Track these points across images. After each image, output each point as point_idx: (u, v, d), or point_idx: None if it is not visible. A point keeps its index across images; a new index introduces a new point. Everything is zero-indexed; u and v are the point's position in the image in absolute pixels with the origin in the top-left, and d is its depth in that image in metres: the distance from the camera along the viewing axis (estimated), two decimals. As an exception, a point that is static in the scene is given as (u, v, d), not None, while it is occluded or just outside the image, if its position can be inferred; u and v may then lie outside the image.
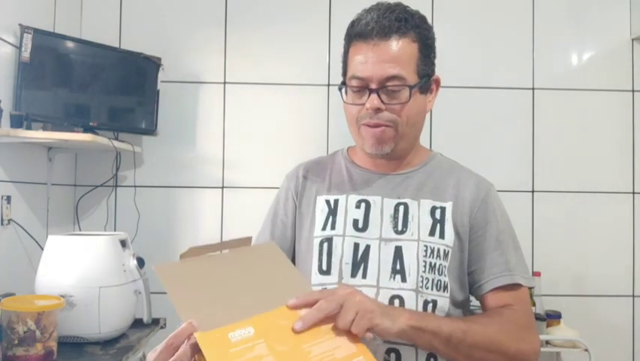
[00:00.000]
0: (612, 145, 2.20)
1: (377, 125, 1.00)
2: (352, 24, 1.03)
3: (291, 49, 2.19)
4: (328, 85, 2.19)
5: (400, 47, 0.99)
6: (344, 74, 1.07)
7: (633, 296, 2.18)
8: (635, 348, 2.17)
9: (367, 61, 0.98)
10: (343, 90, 1.05)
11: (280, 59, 2.18)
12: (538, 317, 1.92)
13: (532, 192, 2.19)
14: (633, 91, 2.21)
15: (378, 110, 0.99)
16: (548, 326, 1.93)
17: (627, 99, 2.21)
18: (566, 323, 1.94)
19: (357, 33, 1.00)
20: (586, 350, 1.85)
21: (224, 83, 2.18)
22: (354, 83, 1.01)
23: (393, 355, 0.97)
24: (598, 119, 2.20)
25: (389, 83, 0.98)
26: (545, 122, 2.20)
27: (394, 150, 1.04)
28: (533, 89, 2.20)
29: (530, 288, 1.08)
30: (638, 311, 2.18)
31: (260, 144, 2.17)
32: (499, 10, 2.22)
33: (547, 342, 1.91)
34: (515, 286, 1.01)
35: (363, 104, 1.00)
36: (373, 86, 0.99)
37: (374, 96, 0.98)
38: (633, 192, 2.20)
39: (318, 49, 2.19)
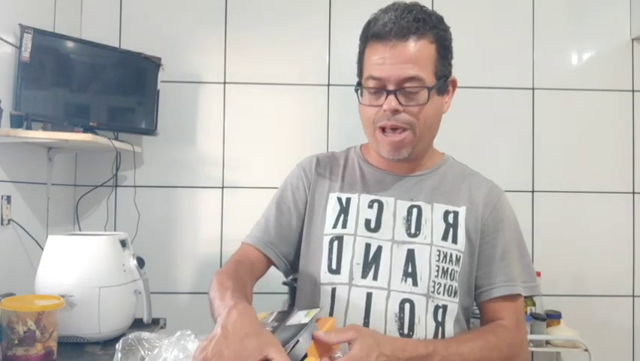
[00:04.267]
0: (612, 145, 2.20)
1: (394, 128, 0.98)
2: (369, 24, 1.01)
3: (291, 49, 2.19)
4: (328, 85, 2.18)
5: (418, 49, 0.96)
6: (359, 74, 1.05)
7: (633, 296, 2.18)
8: (635, 348, 2.17)
9: (385, 62, 0.96)
10: (359, 92, 1.03)
11: (280, 59, 2.18)
12: (538, 317, 1.92)
13: (532, 192, 2.19)
14: (633, 91, 2.21)
15: (395, 111, 0.97)
16: (548, 326, 1.93)
17: (627, 99, 2.21)
18: (566, 323, 1.94)
19: (374, 33, 0.98)
20: (586, 350, 1.85)
21: (224, 83, 2.18)
22: (370, 83, 0.99)
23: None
24: (598, 119, 2.20)
25: (407, 85, 0.96)
26: (545, 122, 2.20)
27: (411, 154, 1.02)
28: (533, 89, 2.20)
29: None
30: (638, 311, 2.18)
31: (260, 144, 2.17)
32: (499, 10, 2.21)
33: (548, 342, 1.91)
34: (514, 297, 1.02)
35: (381, 106, 0.98)
36: (391, 87, 0.97)
37: (392, 97, 0.96)
38: (633, 192, 2.20)
39: (318, 49, 2.19)
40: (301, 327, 0.81)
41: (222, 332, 0.76)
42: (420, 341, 0.92)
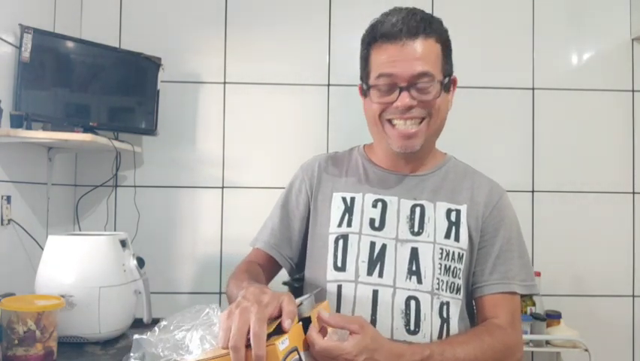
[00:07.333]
0: (612, 145, 2.20)
1: (407, 119, 1.01)
2: (373, 27, 1.04)
3: (291, 49, 2.18)
4: (328, 85, 2.18)
5: (427, 47, 1.00)
6: (365, 76, 1.06)
7: (633, 296, 2.18)
8: (635, 348, 2.17)
9: (396, 59, 0.99)
10: (367, 92, 1.05)
11: (280, 59, 2.18)
12: (538, 317, 1.92)
13: (532, 192, 2.19)
14: (633, 91, 2.21)
15: (410, 107, 0.99)
16: (548, 326, 1.93)
17: (627, 99, 2.21)
18: (566, 323, 1.94)
19: (383, 34, 1.01)
20: (586, 350, 1.85)
21: (224, 83, 2.18)
22: (381, 81, 1.01)
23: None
24: (598, 119, 2.20)
25: (420, 80, 0.99)
26: (545, 122, 2.20)
27: (422, 147, 1.04)
28: (533, 89, 2.20)
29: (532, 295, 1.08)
30: (638, 311, 2.18)
31: (260, 144, 2.17)
32: (499, 10, 2.21)
33: (547, 342, 1.91)
34: (510, 295, 1.03)
35: (391, 103, 1.00)
36: (403, 83, 0.99)
37: (405, 94, 0.99)
38: (633, 192, 2.20)
39: (318, 49, 2.19)
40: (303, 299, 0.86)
41: (244, 295, 0.81)
42: (418, 346, 0.91)
